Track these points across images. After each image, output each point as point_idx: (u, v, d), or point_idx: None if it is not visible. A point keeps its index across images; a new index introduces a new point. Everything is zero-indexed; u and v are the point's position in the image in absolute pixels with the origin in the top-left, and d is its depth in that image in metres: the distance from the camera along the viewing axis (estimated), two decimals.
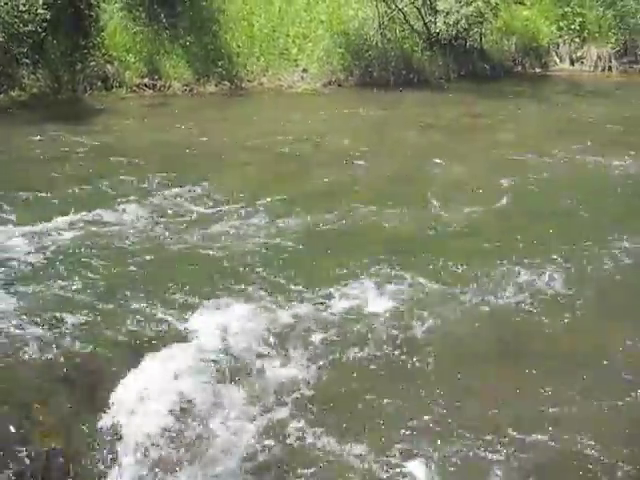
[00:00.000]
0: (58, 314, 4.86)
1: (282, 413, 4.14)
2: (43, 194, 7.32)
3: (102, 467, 3.73)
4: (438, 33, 14.62)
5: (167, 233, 6.47)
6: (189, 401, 4.12)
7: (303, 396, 4.30)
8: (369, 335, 4.96)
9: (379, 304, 5.30)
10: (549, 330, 5.16)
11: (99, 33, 12.84)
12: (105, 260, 5.80)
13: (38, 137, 9.56)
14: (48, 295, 5.15)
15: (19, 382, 4.21)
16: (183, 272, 5.69)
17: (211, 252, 6.11)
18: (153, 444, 3.83)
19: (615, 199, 7.99)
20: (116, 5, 13.20)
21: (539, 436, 4.02)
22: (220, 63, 13.50)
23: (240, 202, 7.28)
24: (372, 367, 4.64)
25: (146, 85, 12.90)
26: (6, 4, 11.16)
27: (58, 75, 12.19)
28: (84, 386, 4.24)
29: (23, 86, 11.86)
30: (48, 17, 11.46)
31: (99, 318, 4.91)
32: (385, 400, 4.32)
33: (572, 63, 17.30)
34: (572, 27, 17.17)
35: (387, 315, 5.19)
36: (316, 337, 4.88)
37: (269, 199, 7.42)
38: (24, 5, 11.20)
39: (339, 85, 13.86)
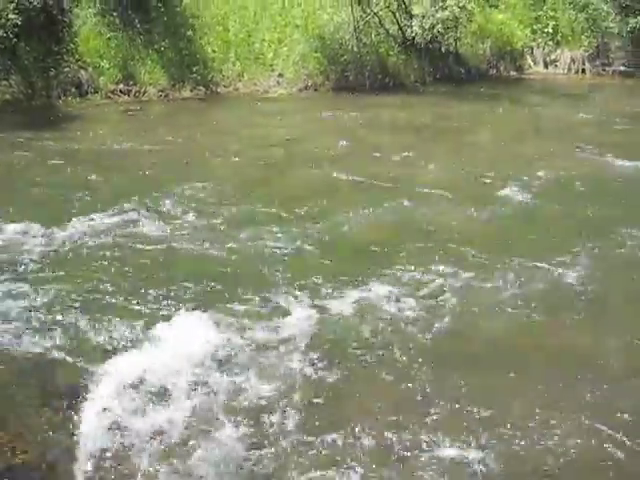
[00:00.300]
0: (27, 324, 4.81)
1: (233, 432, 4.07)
2: (6, 200, 7.20)
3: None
4: (413, 37, 14.71)
5: (135, 241, 6.38)
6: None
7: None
8: (332, 343, 4.93)
9: (344, 309, 5.28)
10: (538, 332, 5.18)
11: (72, 39, 12.72)
12: (71, 269, 5.72)
13: (10, 143, 9.44)
14: (16, 305, 5.08)
15: None
16: (150, 282, 5.61)
17: (177, 260, 6.05)
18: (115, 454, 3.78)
19: (591, 199, 8.04)
20: (89, 10, 13.10)
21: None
22: (195, 68, 13.46)
23: (213, 207, 7.22)
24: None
25: (121, 91, 12.81)
26: None
27: (31, 81, 12.06)
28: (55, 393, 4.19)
29: None
30: (19, 22, 11.34)
31: (68, 328, 4.85)
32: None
33: (546, 66, 17.50)
34: (546, 30, 17.39)
35: (345, 321, 5.17)
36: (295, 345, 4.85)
37: (245, 204, 7.38)
38: None
39: (315, 90, 13.88)
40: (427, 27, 14.35)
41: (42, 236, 6.31)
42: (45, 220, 6.61)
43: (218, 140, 10.34)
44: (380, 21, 14.90)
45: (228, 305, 5.25)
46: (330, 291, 5.51)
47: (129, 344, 4.72)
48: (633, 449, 3.91)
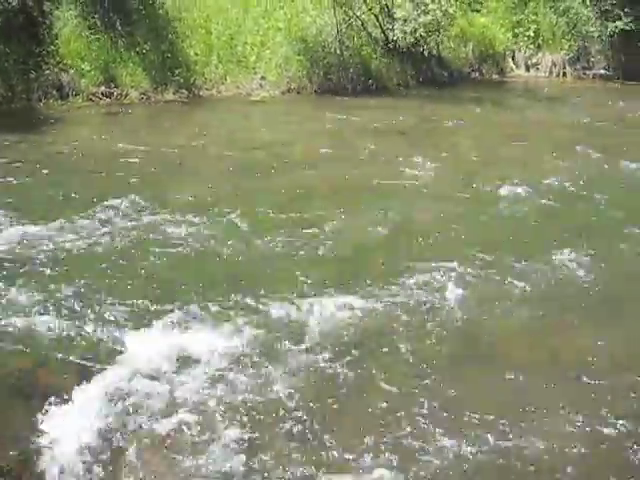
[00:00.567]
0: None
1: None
2: None
3: None
4: (396, 40, 14.75)
5: (115, 245, 6.32)
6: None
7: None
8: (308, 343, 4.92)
9: (335, 312, 5.26)
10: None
11: (53, 41, 12.60)
12: (50, 272, 5.65)
13: None
14: None
15: None
16: (129, 288, 5.56)
17: (159, 265, 6.00)
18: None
19: (576, 199, 8.13)
20: (70, 12, 12.98)
21: None
22: (178, 71, 13.38)
23: (195, 212, 7.16)
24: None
25: (102, 94, 12.70)
26: None
27: (11, 84, 11.92)
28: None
29: None
30: None
31: (46, 333, 4.78)
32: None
33: (528, 69, 17.65)
34: (527, 34, 17.54)
35: (338, 324, 5.15)
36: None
37: (228, 207, 7.33)
38: None
39: (298, 92, 13.86)
40: (409, 31, 14.40)
41: (19, 239, 6.23)
42: (24, 222, 6.54)
43: (201, 143, 10.28)
44: (363, 24, 14.93)
45: (210, 307, 5.22)
46: (321, 293, 5.48)
47: (115, 346, 4.68)
48: (629, 448, 3.93)
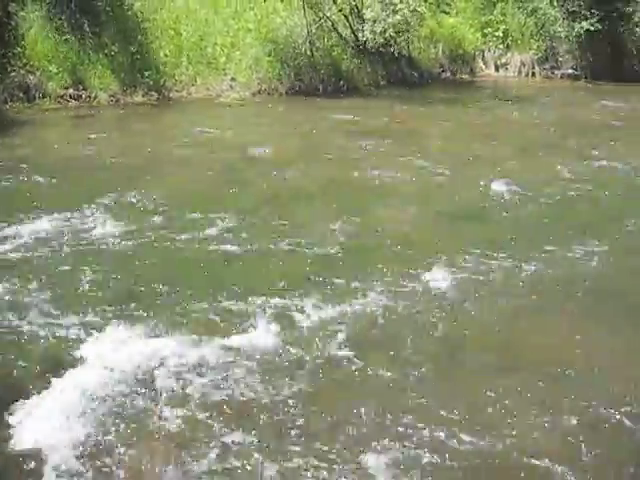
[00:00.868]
0: None
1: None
2: None
3: None
4: (366, 41, 14.79)
5: (79, 247, 6.25)
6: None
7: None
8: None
9: (314, 315, 5.25)
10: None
11: (19, 42, 12.42)
12: (9, 276, 5.58)
13: None
14: None
15: None
16: (94, 290, 5.51)
17: (128, 267, 5.95)
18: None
19: (538, 201, 8.20)
20: (36, 13, 12.81)
21: None
22: (147, 73, 13.26)
23: (163, 216, 7.11)
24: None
25: (70, 96, 12.55)
26: None
27: None
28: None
29: None
30: None
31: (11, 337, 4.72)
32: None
33: (497, 69, 17.79)
34: (496, 34, 17.68)
35: (314, 328, 5.15)
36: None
37: (199, 210, 7.29)
38: None
39: (268, 94, 13.82)
40: (379, 31, 14.46)
41: None
42: None
43: (171, 145, 10.21)
44: (333, 25, 14.94)
45: (180, 311, 5.18)
46: (299, 297, 5.46)
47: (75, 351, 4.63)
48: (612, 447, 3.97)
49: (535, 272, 6.12)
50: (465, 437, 3.99)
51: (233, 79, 13.85)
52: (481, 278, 5.95)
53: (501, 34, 17.55)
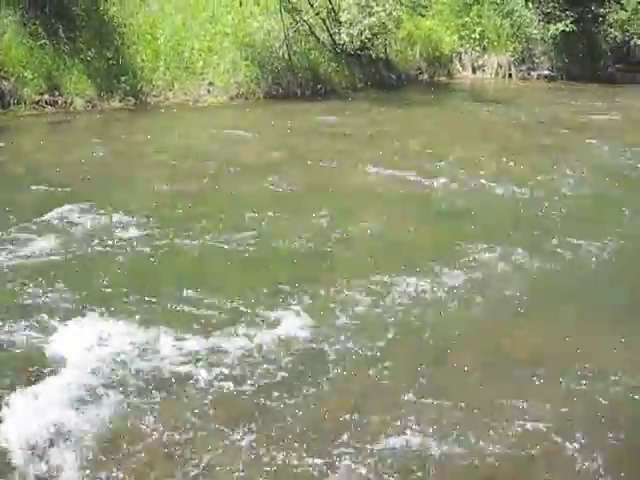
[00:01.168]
0: None
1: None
2: None
3: None
4: (343, 44, 14.83)
5: (54, 253, 6.18)
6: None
7: None
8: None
9: (284, 320, 5.25)
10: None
11: None
12: None
13: None
14: None
15: None
16: (63, 294, 5.48)
17: (102, 273, 5.90)
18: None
19: (523, 198, 8.27)
20: (9, 18, 12.67)
21: None
22: (124, 78, 13.17)
23: (142, 219, 7.06)
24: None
25: (46, 102, 12.41)
26: None
27: None
28: None
29: None
30: None
31: None
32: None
33: (474, 71, 17.94)
34: (472, 37, 17.84)
35: (287, 332, 5.14)
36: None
37: (176, 216, 7.27)
38: None
39: (246, 98, 13.79)
40: (356, 34, 14.51)
41: None
42: None
43: (148, 151, 10.16)
44: (310, 28, 14.96)
45: (158, 314, 5.15)
46: (271, 302, 5.46)
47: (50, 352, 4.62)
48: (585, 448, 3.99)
49: (524, 271, 6.18)
50: (449, 438, 4.02)
51: (211, 83, 13.80)
52: (469, 279, 5.97)
53: (477, 36, 17.72)
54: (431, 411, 4.26)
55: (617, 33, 17.60)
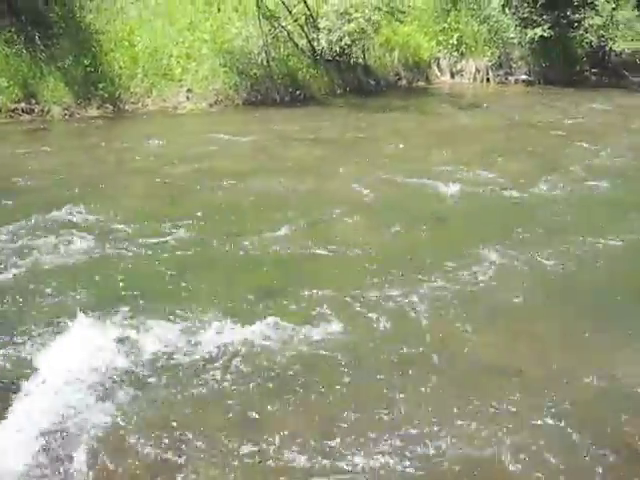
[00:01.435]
0: None
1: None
2: None
3: None
4: (322, 50, 14.85)
5: (29, 261, 6.16)
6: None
7: None
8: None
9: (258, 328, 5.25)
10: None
11: None
12: None
13: None
14: None
15: None
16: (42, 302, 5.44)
17: (78, 280, 5.89)
18: None
19: (496, 205, 8.33)
20: None
21: None
22: (101, 85, 13.12)
23: (118, 226, 7.05)
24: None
25: (23, 110, 12.35)
26: None
27: None
28: None
29: None
30: None
31: None
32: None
33: (452, 76, 18.02)
34: (450, 42, 17.91)
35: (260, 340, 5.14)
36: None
37: (150, 224, 7.23)
38: None
39: (225, 105, 13.77)
40: (334, 40, 14.52)
41: None
42: None
43: (126, 158, 10.12)
44: (289, 35, 14.96)
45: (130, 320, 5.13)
46: (249, 310, 5.48)
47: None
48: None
49: (505, 277, 6.22)
50: (435, 442, 4.05)
51: (189, 90, 13.77)
52: (449, 285, 5.99)
53: (455, 41, 17.80)
54: (414, 419, 4.28)
55: (592, 38, 17.75)
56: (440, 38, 17.85)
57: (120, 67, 13.55)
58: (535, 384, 4.69)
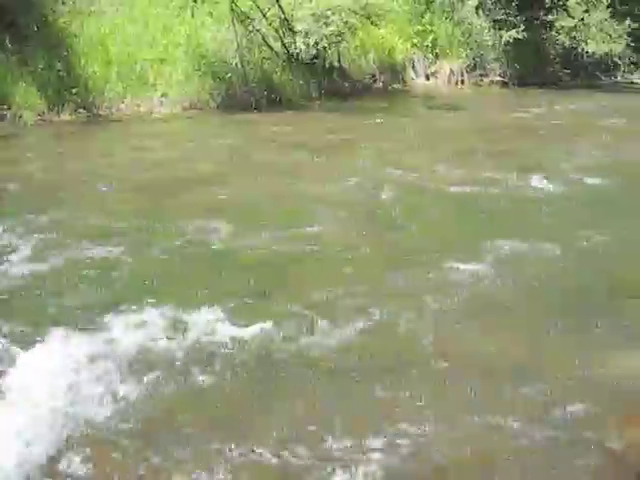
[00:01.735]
0: None
1: None
2: None
3: None
4: (298, 53, 14.83)
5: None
6: None
7: None
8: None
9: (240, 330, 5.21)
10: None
11: None
12: None
13: None
14: None
15: None
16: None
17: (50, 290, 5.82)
18: None
19: (477, 207, 8.36)
20: None
21: None
22: (75, 90, 13.00)
23: (92, 234, 6.96)
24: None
25: None
26: None
27: None
28: None
29: None
30: None
31: None
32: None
33: (428, 78, 18.12)
34: (425, 44, 18.01)
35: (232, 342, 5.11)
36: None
37: (128, 226, 7.18)
38: None
39: (200, 109, 13.70)
40: (312, 43, 14.52)
41: None
42: None
43: (101, 163, 10.02)
44: (264, 38, 14.93)
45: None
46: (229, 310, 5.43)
47: None
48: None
49: (482, 276, 6.22)
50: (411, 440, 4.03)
51: (164, 95, 13.69)
52: (426, 288, 6.00)
53: (430, 44, 17.90)
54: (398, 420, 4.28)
55: (565, 40, 17.96)
56: (415, 40, 17.95)
57: (94, 71, 13.43)
58: (508, 380, 4.69)
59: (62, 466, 3.82)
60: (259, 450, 3.97)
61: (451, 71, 18.05)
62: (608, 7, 17.54)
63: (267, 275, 6.27)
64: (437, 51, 18.07)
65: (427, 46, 17.96)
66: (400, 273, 6.28)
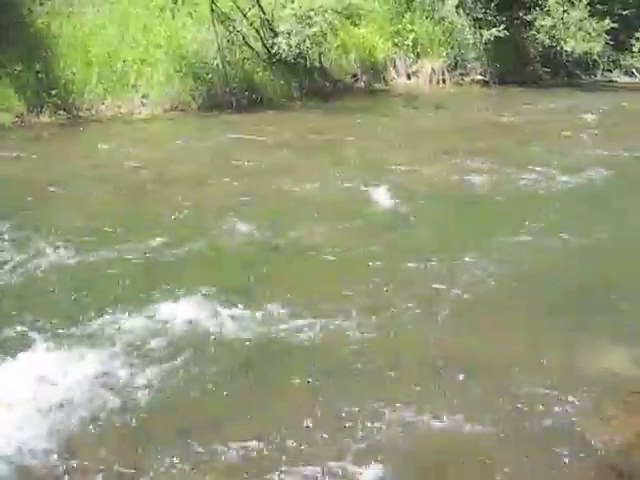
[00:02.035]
0: None
1: None
2: None
3: None
4: (280, 54, 14.78)
5: None
6: None
7: None
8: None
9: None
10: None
11: None
12: None
13: None
14: None
15: None
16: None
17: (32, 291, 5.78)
18: None
19: (460, 204, 8.40)
20: None
21: None
22: (54, 92, 12.85)
23: (72, 238, 6.91)
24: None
25: None
26: None
27: None
28: None
29: None
30: None
31: None
32: None
33: (409, 77, 18.12)
34: (406, 43, 18.02)
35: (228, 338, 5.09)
36: None
37: (111, 231, 7.14)
38: None
39: (182, 110, 13.62)
40: (294, 44, 14.48)
41: None
42: None
43: (81, 165, 9.96)
44: (244, 39, 14.89)
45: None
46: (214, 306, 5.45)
47: None
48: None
49: (464, 275, 6.24)
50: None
51: (144, 96, 13.59)
52: (414, 286, 6.02)
53: (411, 43, 17.91)
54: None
55: (544, 39, 18.06)
56: (396, 40, 17.94)
57: (73, 73, 13.30)
58: (507, 379, 4.75)
59: (58, 464, 3.81)
60: (255, 448, 3.98)
61: (432, 70, 18.07)
62: (587, 6, 17.66)
63: (252, 273, 6.26)
64: (418, 50, 18.07)
65: (408, 45, 17.96)
66: (385, 271, 6.29)
